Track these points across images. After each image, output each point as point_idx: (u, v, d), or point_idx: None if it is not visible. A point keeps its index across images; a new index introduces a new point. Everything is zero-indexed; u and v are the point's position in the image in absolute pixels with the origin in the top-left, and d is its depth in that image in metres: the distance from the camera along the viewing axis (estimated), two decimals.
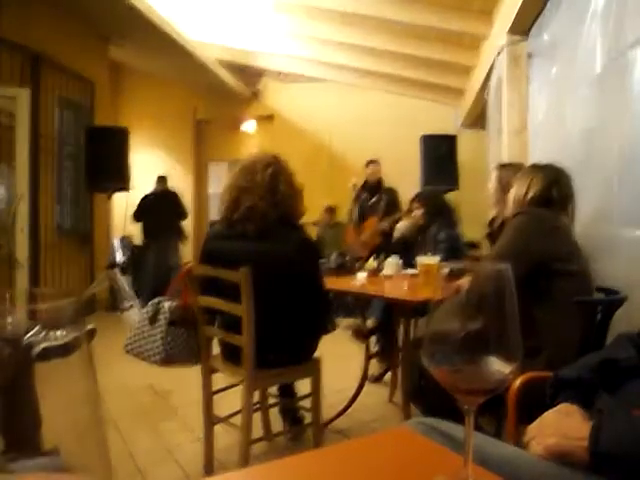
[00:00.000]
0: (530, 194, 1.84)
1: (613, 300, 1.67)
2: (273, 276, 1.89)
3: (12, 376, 0.32)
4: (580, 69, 2.59)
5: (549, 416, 0.89)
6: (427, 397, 1.41)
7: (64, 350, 0.32)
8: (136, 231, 7.00)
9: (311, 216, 5.74)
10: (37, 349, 0.31)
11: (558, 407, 0.91)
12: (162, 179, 6.63)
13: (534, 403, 0.99)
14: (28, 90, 4.72)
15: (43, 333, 0.31)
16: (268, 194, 1.92)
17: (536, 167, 1.94)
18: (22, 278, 4.58)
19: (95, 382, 0.33)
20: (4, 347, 0.32)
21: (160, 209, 6.30)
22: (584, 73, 2.52)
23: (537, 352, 1.54)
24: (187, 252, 7.13)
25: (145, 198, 6.37)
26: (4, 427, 0.32)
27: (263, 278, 1.83)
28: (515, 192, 1.90)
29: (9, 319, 0.32)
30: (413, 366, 1.94)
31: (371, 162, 5.44)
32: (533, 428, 0.88)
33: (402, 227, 3.80)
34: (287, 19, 5.92)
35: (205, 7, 6.03)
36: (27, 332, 0.31)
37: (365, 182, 5.48)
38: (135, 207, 6.35)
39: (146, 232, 6.36)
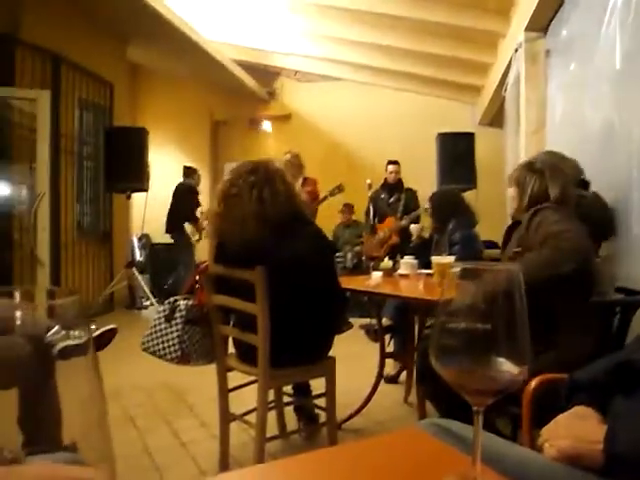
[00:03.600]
0: (555, 191, 1.80)
1: (631, 301, 1.64)
2: (287, 275, 1.89)
3: (33, 373, 0.33)
4: (599, 65, 2.55)
5: (563, 418, 0.88)
6: (441, 394, 1.40)
7: (84, 349, 0.33)
8: (154, 230, 7.08)
9: (328, 215, 5.75)
10: (58, 347, 0.32)
11: (573, 410, 0.90)
12: (185, 170, 6.53)
13: (550, 406, 0.98)
14: (49, 92, 4.81)
15: (63, 332, 0.32)
16: (260, 222, 1.91)
17: (550, 163, 1.90)
18: (43, 277, 4.67)
19: (100, 382, 0.33)
20: (25, 345, 0.33)
21: (173, 203, 6.28)
22: (603, 69, 2.47)
23: (553, 347, 1.52)
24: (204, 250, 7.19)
25: (178, 190, 6.34)
26: (24, 422, 0.33)
27: (277, 277, 1.84)
28: (537, 189, 1.85)
29: (30, 317, 0.32)
30: (425, 360, 1.92)
31: (391, 162, 5.44)
32: (547, 430, 0.87)
33: (415, 230, 3.82)
34: (302, 19, 5.93)
35: (221, 8, 6.08)
36: (48, 330, 0.32)
37: (384, 182, 5.47)
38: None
39: (166, 227, 6.31)
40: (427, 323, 2.68)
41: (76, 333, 0.33)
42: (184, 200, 6.21)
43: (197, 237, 6.23)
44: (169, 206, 6.27)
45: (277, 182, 1.98)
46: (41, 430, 0.34)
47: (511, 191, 1.91)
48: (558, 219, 1.66)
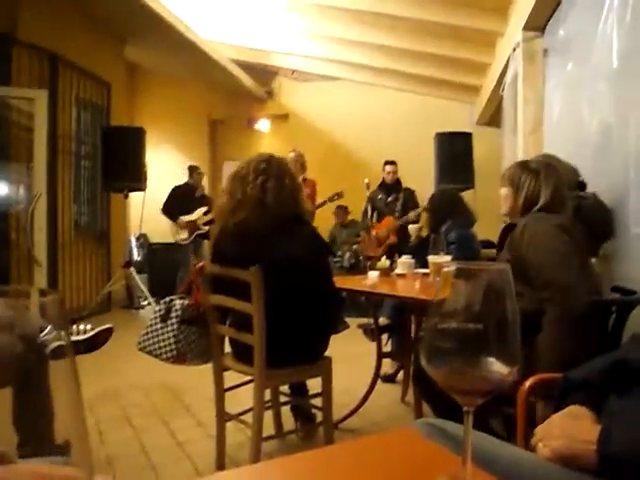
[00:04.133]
0: (546, 193, 1.78)
1: (627, 300, 1.63)
2: (282, 275, 1.89)
3: (26, 373, 0.33)
4: (597, 65, 2.54)
5: (557, 418, 0.88)
6: (436, 394, 1.39)
7: (76, 349, 0.33)
8: (152, 229, 7.06)
9: (324, 216, 5.75)
10: (50, 347, 0.31)
11: (567, 409, 0.90)
12: (189, 169, 6.42)
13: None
14: (46, 91, 4.80)
15: (55, 332, 0.31)
16: (257, 207, 1.92)
17: (544, 163, 1.88)
18: (40, 276, 4.66)
19: (78, 385, 0.33)
20: (18, 344, 0.33)
21: (178, 203, 6.12)
22: (601, 68, 2.47)
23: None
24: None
25: (173, 190, 6.20)
26: (18, 423, 0.33)
27: (272, 277, 1.84)
28: (532, 189, 1.82)
29: (23, 316, 0.32)
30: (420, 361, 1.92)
31: (388, 163, 5.43)
32: (541, 430, 0.87)
33: (414, 230, 3.83)
34: (301, 18, 5.92)
35: (219, 7, 6.07)
36: (41, 330, 0.32)
37: (382, 182, 5.47)
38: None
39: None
40: (423, 323, 2.68)
41: (62, 334, 0.32)
42: (172, 200, 6.09)
43: (183, 236, 6.02)
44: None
45: (286, 178, 2.01)
46: (35, 430, 0.34)
47: (504, 190, 1.89)
48: (551, 247, 1.64)
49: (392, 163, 5.43)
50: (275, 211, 1.94)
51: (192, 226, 6.01)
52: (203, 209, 6.06)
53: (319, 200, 4.96)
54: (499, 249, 1.93)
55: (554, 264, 1.59)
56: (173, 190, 6.20)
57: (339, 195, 4.97)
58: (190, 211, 6.05)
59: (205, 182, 8.42)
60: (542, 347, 1.52)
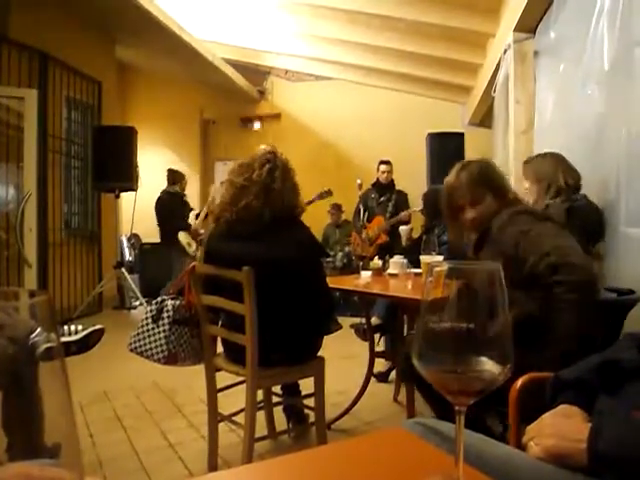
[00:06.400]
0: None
1: (624, 301, 1.63)
2: (274, 276, 1.88)
3: (17, 375, 0.32)
4: (587, 67, 2.56)
5: (548, 417, 0.88)
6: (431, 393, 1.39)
7: (66, 350, 0.32)
8: (144, 229, 7.03)
9: (317, 215, 5.74)
10: (41, 348, 0.31)
11: (558, 408, 0.90)
12: (172, 176, 6.08)
13: (539, 405, 0.98)
14: (36, 90, 4.76)
15: (45, 334, 0.31)
16: (262, 192, 1.93)
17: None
18: (31, 277, 4.62)
19: (68, 387, 0.33)
20: (8, 346, 0.32)
21: (166, 215, 5.87)
22: (591, 70, 2.49)
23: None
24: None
25: (161, 203, 5.89)
26: (8, 425, 0.32)
27: (264, 278, 1.83)
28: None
29: (13, 318, 0.32)
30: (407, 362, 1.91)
31: (383, 162, 5.42)
32: (532, 429, 0.88)
33: (405, 232, 3.83)
34: (293, 18, 5.92)
35: (212, 7, 6.05)
36: (31, 332, 0.31)
37: (376, 181, 5.46)
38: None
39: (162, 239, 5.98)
40: (415, 323, 2.68)
41: (52, 335, 0.32)
42: (175, 210, 5.80)
43: (193, 248, 5.67)
44: (158, 218, 5.88)
45: (291, 171, 2.03)
46: (25, 432, 0.34)
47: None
48: (556, 232, 1.62)
49: (387, 163, 5.41)
50: (280, 198, 1.94)
51: (195, 234, 5.62)
52: (194, 212, 5.86)
53: (306, 198, 4.92)
54: (476, 251, 1.87)
55: (567, 248, 1.54)
56: (161, 202, 5.85)
57: (328, 192, 4.94)
58: (184, 219, 5.76)
59: (196, 183, 8.38)
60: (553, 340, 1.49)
